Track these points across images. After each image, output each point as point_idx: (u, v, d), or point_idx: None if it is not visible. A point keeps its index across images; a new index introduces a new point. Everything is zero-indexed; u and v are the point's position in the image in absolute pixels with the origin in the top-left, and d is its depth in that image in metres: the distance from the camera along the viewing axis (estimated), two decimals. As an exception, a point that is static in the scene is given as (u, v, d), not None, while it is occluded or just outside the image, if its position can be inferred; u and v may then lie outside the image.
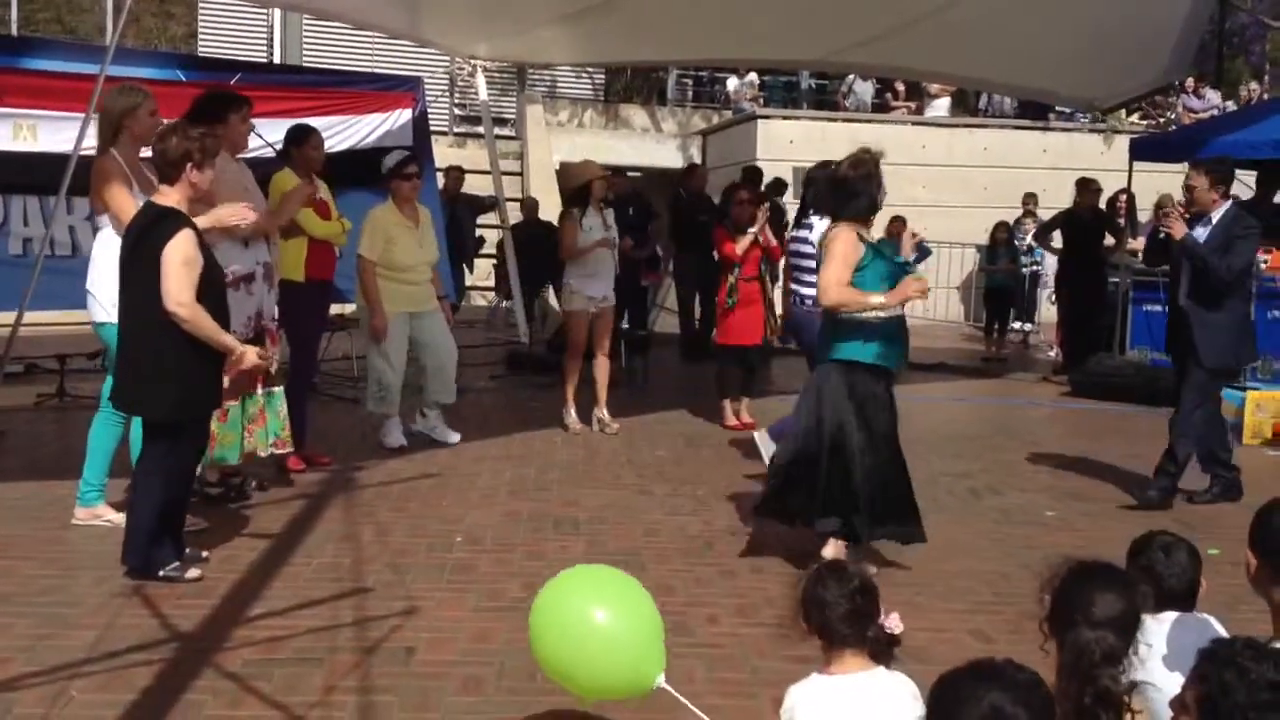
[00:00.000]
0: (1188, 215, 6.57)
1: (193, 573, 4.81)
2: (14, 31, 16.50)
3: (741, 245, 8.17)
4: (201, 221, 5.18)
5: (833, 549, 4.99)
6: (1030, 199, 14.75)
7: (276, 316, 6.18)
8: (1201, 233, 6.35)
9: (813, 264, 6.22)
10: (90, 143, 7.15)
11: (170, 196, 4.73)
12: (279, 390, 6.11)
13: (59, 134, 8.58)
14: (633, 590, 3.41)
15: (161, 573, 4.75)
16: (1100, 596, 2.39)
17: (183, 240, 4.59)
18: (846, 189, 5.17)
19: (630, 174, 17.33)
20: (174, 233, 4.59)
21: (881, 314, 4.98)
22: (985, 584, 5.14)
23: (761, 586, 4.91)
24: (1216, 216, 6.35)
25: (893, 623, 2.73)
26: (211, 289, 4.73)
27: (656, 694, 3.31)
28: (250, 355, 4.82)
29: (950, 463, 6.86)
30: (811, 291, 6.28)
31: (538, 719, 3.64)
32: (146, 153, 5.27)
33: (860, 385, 5.02)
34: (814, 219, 7.23)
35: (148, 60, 9.98)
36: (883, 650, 2.74)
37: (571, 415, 8.29)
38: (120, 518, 5.25)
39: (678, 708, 3.34)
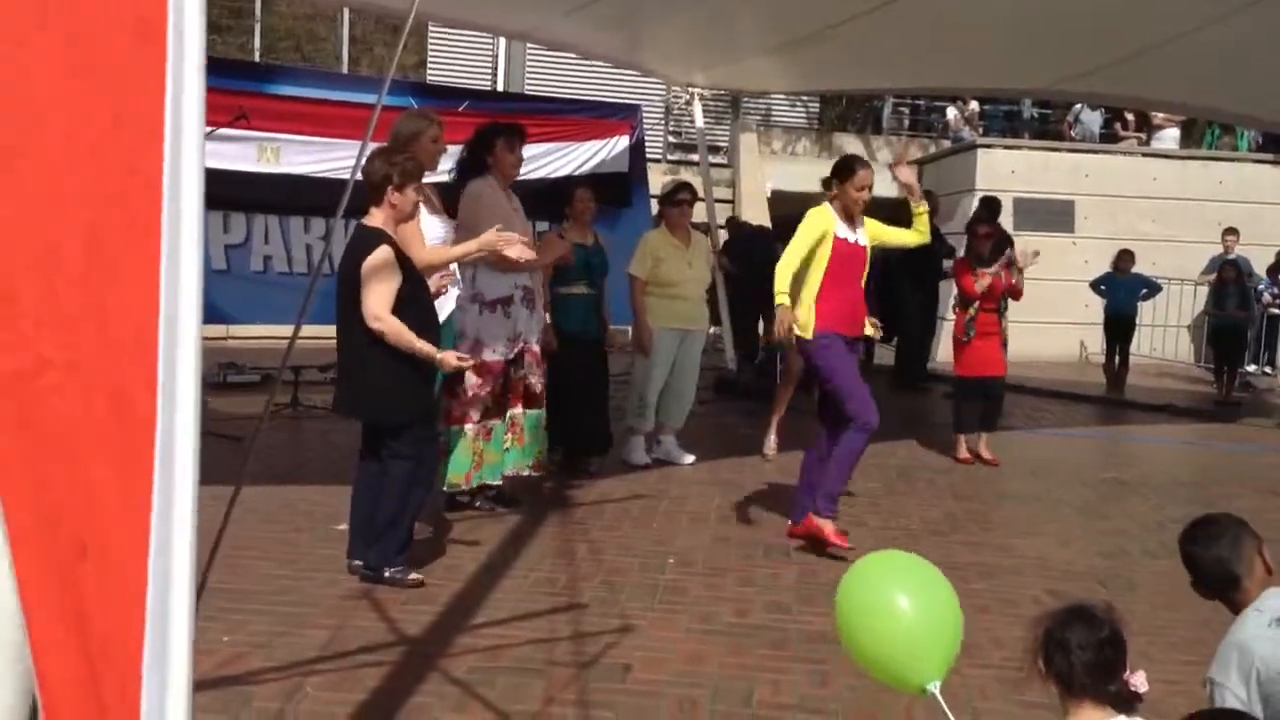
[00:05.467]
0: None
1: (414, 576, 4.99)
2: (257, 59, 17.53)
3: (981, 284, 8.07)
4: (471, 245, 5.39)
5: None
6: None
7: (539, 341, 6.43)
8: None
9: None
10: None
11: (376, 217, 4.97)
12: (538, 412, 6.44)
13: (300, 156, 9.07)
14: (953, 602, 3.33)
15: (388, 573, 4.94)
16: None
17: (378, 257, 4.81)
18: None
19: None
20: (371, 250, 4.82)
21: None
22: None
23: (985, 626, 4.76)
24: None
25: (1138, 680, 2.57)
26: (412, 303, 4.92)
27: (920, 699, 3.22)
28: (449, 360, 4.93)
29: (1183, 508, 6.52)
30: None
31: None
32: (430, 178, 5.58)
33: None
34: None
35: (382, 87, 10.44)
36: (1124, 706, 2.60)
37: (771, 441, 8.29)
38: None
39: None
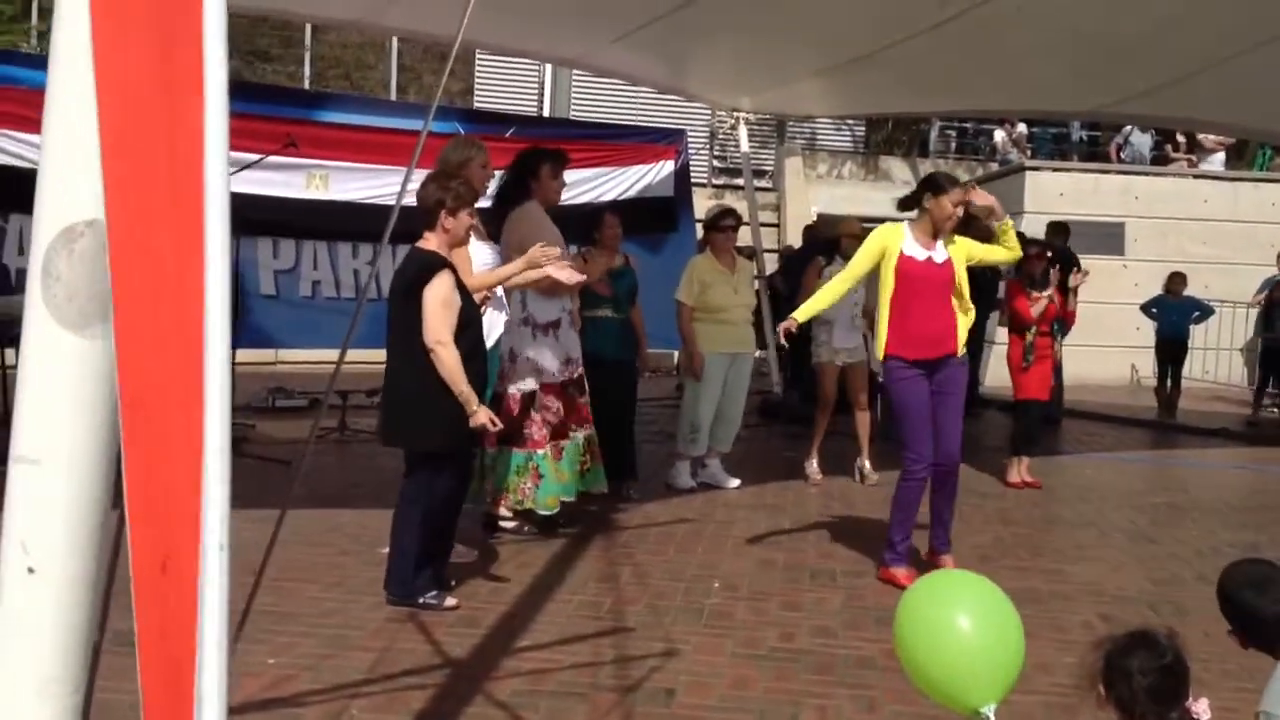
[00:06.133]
0: None
1: (449, 601, 4.99)
2: (306, 86, 17.74)
3: (1037, 309, 8.06)
4: (532, 274, 5.43)
5: None
6: None
7: (580, 361, 6.48)
8: None
9: None
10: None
11: (430, 241, 5.00)
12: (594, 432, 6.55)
13: (347, 183, 9.17)
14: (1015, 626, 3.29)
15: (421, 600, 4.95)
16: None
17: (441, 282, 4.84)
18: None
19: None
20: (433, 275, 4.84)
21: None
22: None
23: (1032, 652, 4.65)
24: None
25: (1201, 708, 2.52)
26: (467, 329, 4.95)
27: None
28: (481, 416, 4.86)
29: (1236, 533, 6.42)
30: None
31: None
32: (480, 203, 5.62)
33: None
34: None
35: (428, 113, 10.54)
36: None
37: (813, 466, 8.27)
38: None
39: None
